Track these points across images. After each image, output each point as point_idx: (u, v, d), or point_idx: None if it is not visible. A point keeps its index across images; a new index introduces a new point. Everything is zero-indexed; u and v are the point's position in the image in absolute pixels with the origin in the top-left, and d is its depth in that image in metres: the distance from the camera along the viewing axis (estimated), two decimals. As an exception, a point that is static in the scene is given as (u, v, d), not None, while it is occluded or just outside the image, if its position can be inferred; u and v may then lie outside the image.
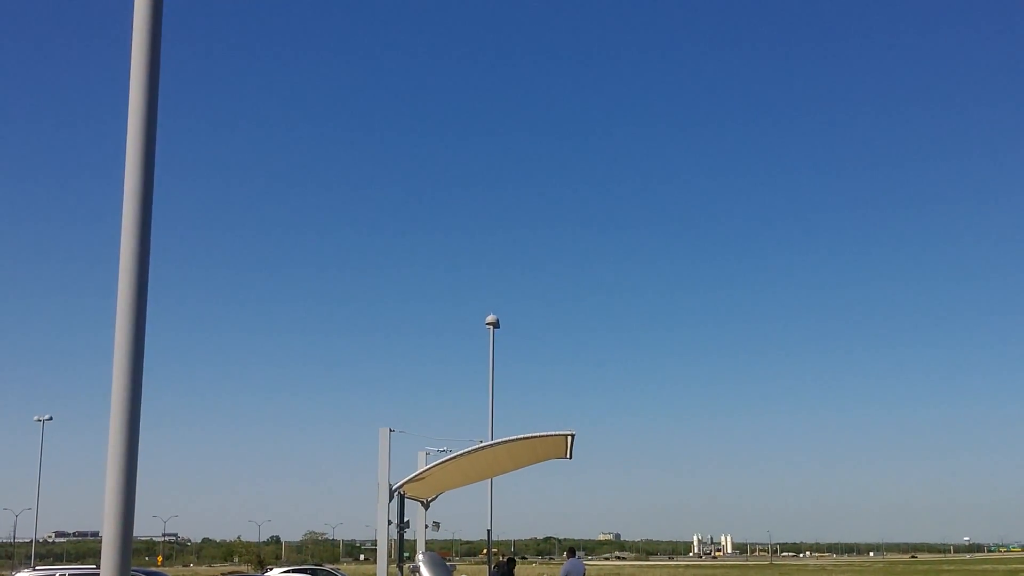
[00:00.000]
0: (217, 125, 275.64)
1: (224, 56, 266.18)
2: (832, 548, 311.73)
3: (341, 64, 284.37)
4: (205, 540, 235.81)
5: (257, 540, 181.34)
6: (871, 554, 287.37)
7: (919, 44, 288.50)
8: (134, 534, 6.33)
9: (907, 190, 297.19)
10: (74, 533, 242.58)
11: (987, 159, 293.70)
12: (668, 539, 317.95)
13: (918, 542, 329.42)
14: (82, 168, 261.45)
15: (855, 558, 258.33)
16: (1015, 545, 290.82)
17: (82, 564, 51.33)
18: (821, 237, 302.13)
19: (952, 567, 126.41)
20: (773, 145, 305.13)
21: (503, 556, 52.98)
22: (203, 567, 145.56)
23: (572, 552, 31.28)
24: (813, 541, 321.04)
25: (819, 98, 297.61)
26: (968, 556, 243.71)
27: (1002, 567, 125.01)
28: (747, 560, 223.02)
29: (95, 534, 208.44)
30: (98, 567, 6.32)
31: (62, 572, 25.36)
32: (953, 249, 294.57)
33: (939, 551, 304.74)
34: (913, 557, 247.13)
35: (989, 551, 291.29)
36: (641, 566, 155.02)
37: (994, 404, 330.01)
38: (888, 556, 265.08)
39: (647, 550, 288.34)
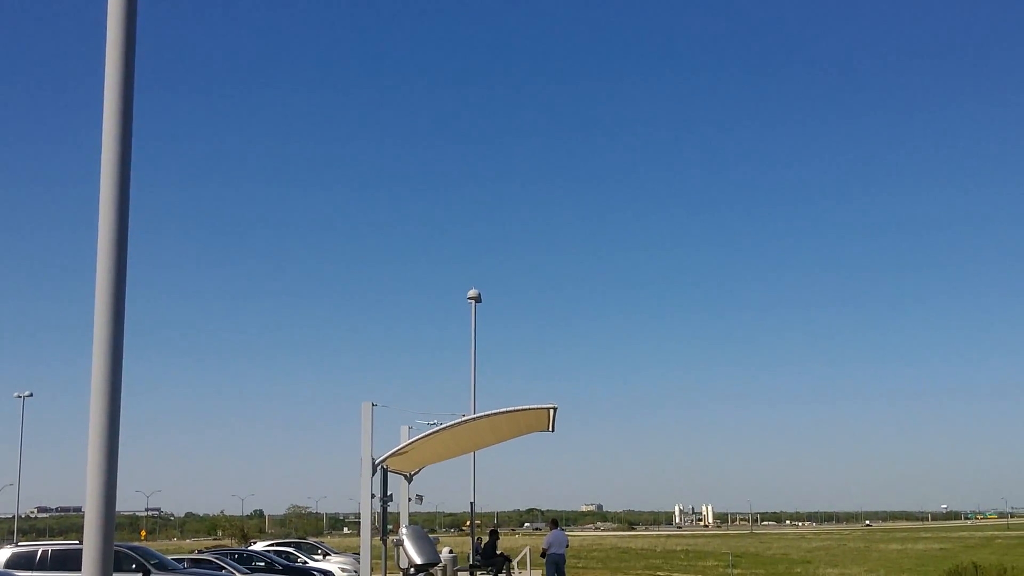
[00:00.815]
0: (194, 89, 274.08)
1: (197, 24, 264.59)
2: (812, 517, 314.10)
3: (318, 26, 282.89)
4: (188, 514, 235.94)
5: (240, 514, 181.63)
6: (867, 522, 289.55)
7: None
8: (117, 509, 6.31)
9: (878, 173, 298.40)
10: (56, 508, 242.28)
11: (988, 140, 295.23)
12: (650, 509, 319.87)
13: (896, 510, 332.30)
14: (59, 140, 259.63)
15: (835, 526, 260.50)
16: (991, 512, 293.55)
17: (65, 539, 51.18)
18: (803, 206, 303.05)
19: (929, 535, 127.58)
20: (759, 118, 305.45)
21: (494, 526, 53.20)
22: (186, 541, 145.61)
23: (555, 523, 31.42)
24: (793, 510, 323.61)
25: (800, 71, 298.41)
26: (978, 524, 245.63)
27: (978, 534, 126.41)
28: (728, 529, 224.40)
29: (77, 509, 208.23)
30: (81, 542, 6.30)
31: (45, 548, 25.26)
32: (939, 216, 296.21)
33: (917, 519, 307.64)
34: (868, 525, 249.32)
35: (966, 518, 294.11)
36: (624, 536, 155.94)
37: (972, 374, 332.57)
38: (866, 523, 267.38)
39: (629, 520, 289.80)
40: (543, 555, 28.88)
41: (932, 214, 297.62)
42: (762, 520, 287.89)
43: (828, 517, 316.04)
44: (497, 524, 51.72)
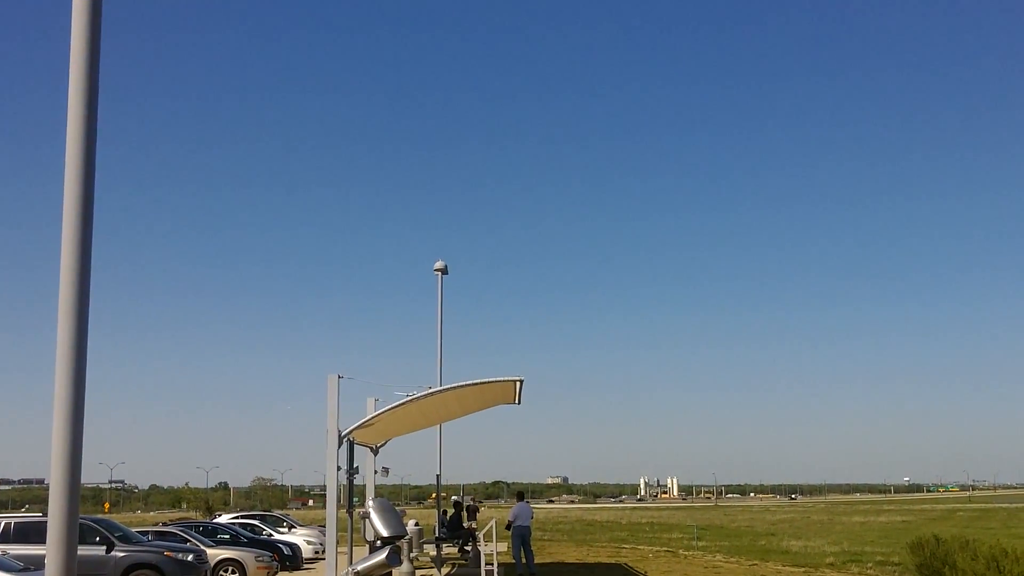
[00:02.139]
0: (160, 59, 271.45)
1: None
2: (776, 489, 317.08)
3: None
4: (152, 487, 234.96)
5: (205, 486, 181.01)
6: (857, 495, 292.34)
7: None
8: (81, 481, 6.26)
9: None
10: (19, 480, 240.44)
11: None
12: (615, 482, 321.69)
13: (859, 483, 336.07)
14: (28, 95, 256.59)
15: (798, 498, 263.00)
16: (953, 485, 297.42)
17: (28, 512, 50.82)
18: (769, 181, 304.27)
19: (892, 507, 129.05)
20: (717, 86, 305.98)
21: (472, 500, 53.05)
22: (151, 514, 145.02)
23: (521, 496, 31.56)
24: (758, 483, 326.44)
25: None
26: (940, 497, 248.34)
27: (941, 507, 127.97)
28: (693, 502, 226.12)
29: (40, 481, 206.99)
30: (45, 514, 6.26)
31: (8, 520, 25.10)
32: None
33: (880, 491, 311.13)
34: (792, 498, 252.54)
35: (928, 491, 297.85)
36: (589, 508, 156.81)
37: (935, 349, 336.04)
38: (829, 496, 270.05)
39: (594, 493, 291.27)
40: (508, 527, 28.99)
41: (892, 191, 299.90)
42: (726, 493, 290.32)
43: (792, 490, 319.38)
44: (474, 498, 51.40)
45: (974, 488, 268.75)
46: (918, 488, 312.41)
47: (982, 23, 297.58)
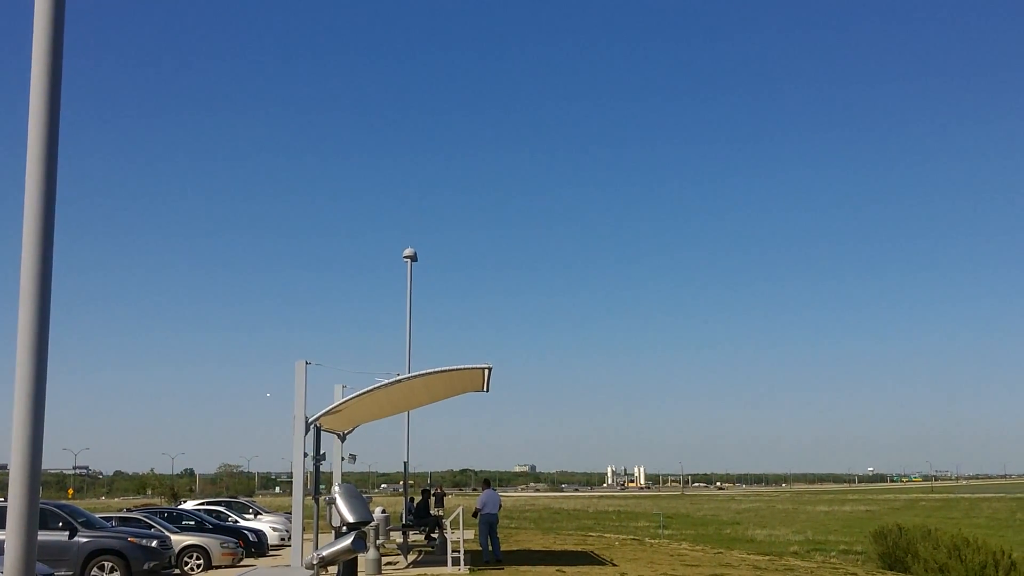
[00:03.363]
0: (129, 55, 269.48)
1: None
2: (742, 479, 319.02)
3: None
4: (117, 473, 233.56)
5: (171, 473, 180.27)
6: (853, 483, 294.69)
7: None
8: (43, 467, 6.19)
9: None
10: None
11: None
12: (583, 471, 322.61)
13: (825, 472, 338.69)
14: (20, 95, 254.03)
15: (763, 488, 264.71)
16: (916, 475, 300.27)
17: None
18: (737, 177, 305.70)
19: (856, 497, 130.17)
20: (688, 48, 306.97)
21: (439, 489, 52.99)
22: (115, 500, 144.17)
23: (488, 484, 31.55)
24: (724, 472, 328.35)
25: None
26: (903, 487, 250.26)
27: (903, 496, 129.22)
28: (660, 490, 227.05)
29: (3, 467, 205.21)
30: (5, 500, 6.19)
31: (-31, 505, 24.80)
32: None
33: (845, 481, 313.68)
34: (720, 488, 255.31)
35: (892, 481, 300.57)
36: (556, 497, 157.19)
37: (898, 341, 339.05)
38: (795, 486, 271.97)
39: (562, 481, 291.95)
40: (475, 515, 28.97)
41: (853, 189, 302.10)
42: (693, 482, 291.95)
43: (757, 479, 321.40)
44: (442, 487, 51.15)
45: (936, 478, 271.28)
46: (882, 478, 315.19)
47: (982, 25, 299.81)
